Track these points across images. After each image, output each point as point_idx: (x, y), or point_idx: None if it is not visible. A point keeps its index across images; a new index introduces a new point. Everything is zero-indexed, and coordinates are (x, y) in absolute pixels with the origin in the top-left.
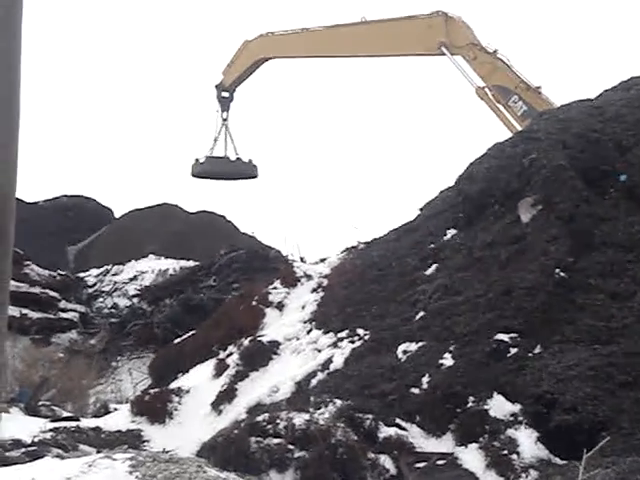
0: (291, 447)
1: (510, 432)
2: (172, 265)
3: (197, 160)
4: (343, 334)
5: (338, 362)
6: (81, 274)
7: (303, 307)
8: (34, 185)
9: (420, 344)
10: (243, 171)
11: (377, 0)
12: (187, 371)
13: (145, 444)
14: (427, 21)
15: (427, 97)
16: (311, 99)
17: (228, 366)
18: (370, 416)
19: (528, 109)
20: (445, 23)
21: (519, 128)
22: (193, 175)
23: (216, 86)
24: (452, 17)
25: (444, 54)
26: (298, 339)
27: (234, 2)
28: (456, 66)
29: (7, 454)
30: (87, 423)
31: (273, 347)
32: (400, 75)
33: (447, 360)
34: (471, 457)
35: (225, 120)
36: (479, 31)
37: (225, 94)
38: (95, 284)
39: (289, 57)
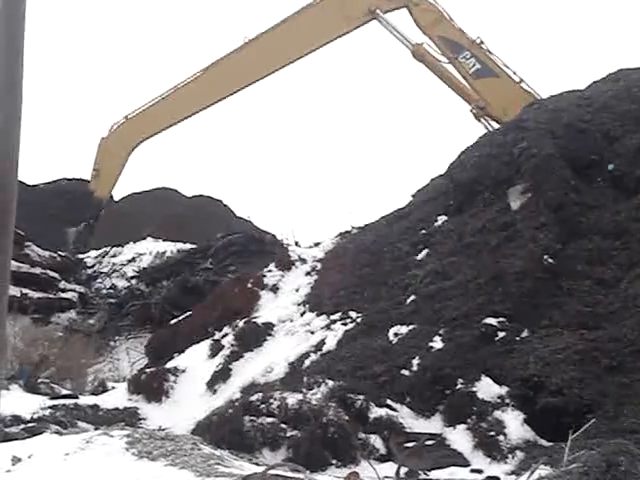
0: (284, 426)
1: (497, 414)
2: (169, 247)
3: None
4: (336, 316)
5: (331, 344)
6: (81, 255)
7: (297, 290)
8: (34, 168)
9: (411, 327)
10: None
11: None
12: (183, 351)
13: (142, 422)
14: None
15: (422, 85)
16: (310, 89)
17: (223, 346)
18: (361, 397)
19: (482, 68)
20: None
21: (468, 87)
22: None
23: (92, 200)
24: None
25: (374, 18)
26: (292, 321)
27: None
28: (389, 29)
29: (7, 430)
30: (85, 401)
31: (267, 328)
32: (399, 62)
33: (437, 343)
34: (459, 438)
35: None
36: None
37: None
38: (94, 265)
39: (169, 126)
